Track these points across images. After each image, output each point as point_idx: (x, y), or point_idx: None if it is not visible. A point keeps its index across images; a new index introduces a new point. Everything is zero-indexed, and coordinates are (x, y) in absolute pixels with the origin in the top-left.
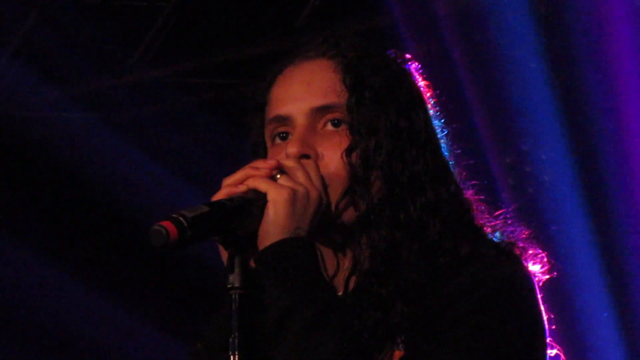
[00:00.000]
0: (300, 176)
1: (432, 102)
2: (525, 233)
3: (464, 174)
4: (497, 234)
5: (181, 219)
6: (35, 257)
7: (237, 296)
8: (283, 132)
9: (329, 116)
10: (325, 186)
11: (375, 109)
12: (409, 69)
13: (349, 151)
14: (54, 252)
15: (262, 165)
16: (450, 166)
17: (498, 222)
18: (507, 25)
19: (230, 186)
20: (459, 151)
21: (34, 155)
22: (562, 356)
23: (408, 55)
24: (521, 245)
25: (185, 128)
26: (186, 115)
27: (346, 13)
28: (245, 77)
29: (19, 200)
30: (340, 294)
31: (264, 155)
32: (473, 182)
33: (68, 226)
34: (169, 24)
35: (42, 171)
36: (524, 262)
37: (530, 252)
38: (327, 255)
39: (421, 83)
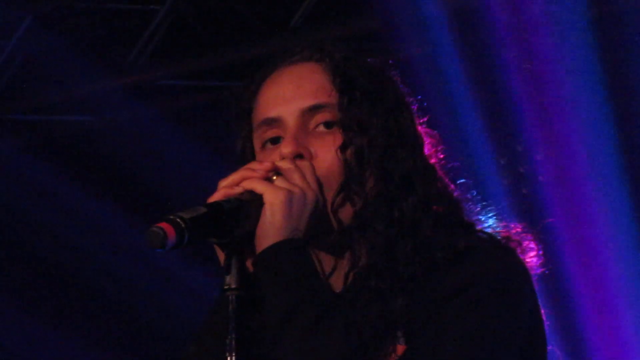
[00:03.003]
0: (296, 177)
1: (415, 105)
2: (518, 227)
3: (450, 174)
4: (490, 229)
5: (178, 220)
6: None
7: (234, 297)
8: (274, 137)
9: (320, 117)
10: (320, 185)
11: (366, 109)
12: (391, 74)
13: (343, 148)
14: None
15: (258, 167)
16: (438, 167)
17: (489, 218)
18: (500, 26)
19: (227, 188)
20: (442, 155)
21: (31, 158)
22: (557, 351)
23: (390, 61)
24: (516, 238)
25: (180, 131)
26: (181, 118)
27: (340, 14)
28: (240, 79)
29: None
30: (339, 292)
31: (252, 161)
32: (460, 182)
33: (66, 227)
34: (162, 28)
35: (40, 174)
36: (519, 255)
37: (525, 245)
38: (325, 254)
39: (403, 88)
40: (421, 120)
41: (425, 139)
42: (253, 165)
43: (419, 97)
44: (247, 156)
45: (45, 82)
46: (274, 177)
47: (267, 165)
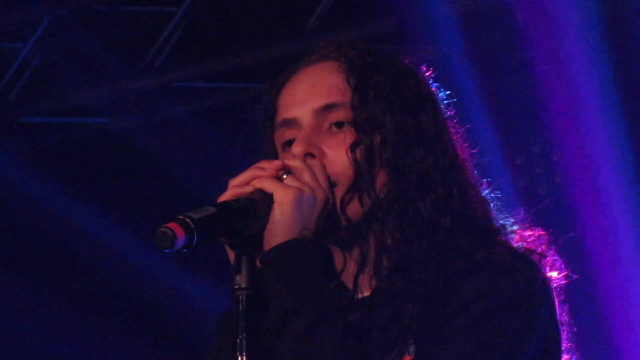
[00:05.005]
0: (306, 176)
1: (445, 102)
2: (543, 238)
3: (480, 174)
4: (515, 236)
5: (188, 220)
6: None
7: (244, 297)
8: (291, 139)
9: (334, 115)
10: (331, 185)
11: (379, 107)
12: (417, 70)
13: (353, 147)
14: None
15: (268, 166)
16: (465, 166)
17: (516, 224)
18: (517, 26)
19: (237, 187)
20: (474, 150)
21: (45, 161)
22: None
23: (416, 57)
24: (539, 250)
25: (196, 132)
26: (198, 120)
27: (356, 16)
28: (256, 81)
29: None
30: (349, 292)
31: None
32: (488, 181)
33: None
34: (179, 30)
35: (52, 176)
36: (541, 268)
37: (548, 258)
38: (336, 253)
39: (432, 84)
40: (448, 116)
41: (453, 135)
42: (263, 164)
43: (449, 92)
44: (271, 157)
45: (62, 84)
46: (284, 176)
47: (277, 164)
